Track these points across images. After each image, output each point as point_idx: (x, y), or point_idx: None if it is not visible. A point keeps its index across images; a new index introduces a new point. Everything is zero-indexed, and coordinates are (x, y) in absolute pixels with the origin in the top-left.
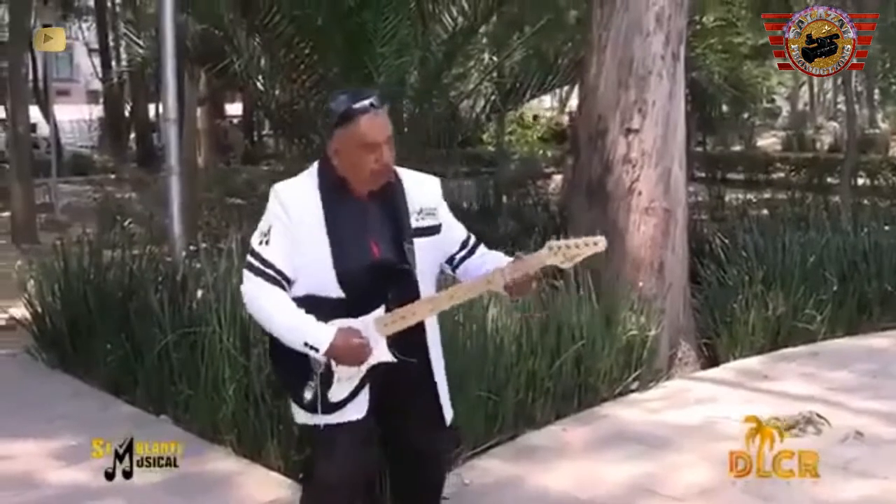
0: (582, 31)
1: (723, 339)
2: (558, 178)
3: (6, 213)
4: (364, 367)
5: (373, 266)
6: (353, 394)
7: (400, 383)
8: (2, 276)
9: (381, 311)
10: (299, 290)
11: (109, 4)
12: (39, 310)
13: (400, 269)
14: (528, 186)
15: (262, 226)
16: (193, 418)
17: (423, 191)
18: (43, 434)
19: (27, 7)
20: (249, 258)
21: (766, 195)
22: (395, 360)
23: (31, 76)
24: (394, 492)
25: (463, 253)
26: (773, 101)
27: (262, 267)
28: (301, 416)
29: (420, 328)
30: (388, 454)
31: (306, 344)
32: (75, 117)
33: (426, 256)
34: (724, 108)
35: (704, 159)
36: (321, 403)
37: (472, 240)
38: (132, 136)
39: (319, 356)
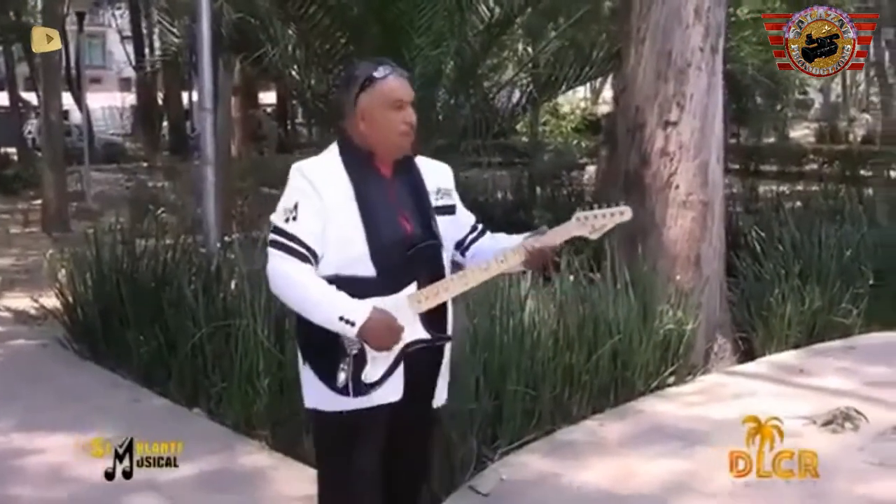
0: (617, 23)
1: (759, 333)
2: (592, 168)
3: (38, 202)
4: (398, 346)
5: (405, 241)
6: (388, 373)
7: (424, 363)
8: (33, 265)
9: (412, 288)
10: (327, 268)
11: None
12: (71, 300)
13: (429, 245)
14: (563, 177)
15: (286, 203)
16: (227, 411)
17: (438, 173)
18: (75, 427)
19: None
20: (274, 236)
21: (799, 187)
22: (429, 337)
23: (63, 63)
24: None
25: (473, 235)
26: (805, 92)
27: (289, 243)
28: (321, 402)
29: (444, 309)
30: None
31: (341, 318)
32: (107, 105)
33: (445, 235)
34: (758, 99)
35: (738, 151)
36: (353, 385)
37: (481, 225)
38: (164, 124)
39: (353, 333)
